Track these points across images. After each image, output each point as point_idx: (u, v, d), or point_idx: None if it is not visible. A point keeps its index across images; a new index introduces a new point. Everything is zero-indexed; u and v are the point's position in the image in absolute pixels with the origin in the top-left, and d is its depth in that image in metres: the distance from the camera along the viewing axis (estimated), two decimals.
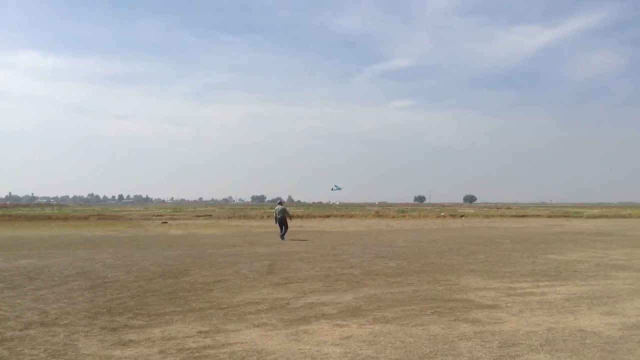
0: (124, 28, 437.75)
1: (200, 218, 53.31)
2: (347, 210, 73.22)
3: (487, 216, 59.35)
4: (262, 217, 53.40)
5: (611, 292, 10.58)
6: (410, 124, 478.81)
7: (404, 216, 57.22)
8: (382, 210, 72.72)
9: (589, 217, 59.93)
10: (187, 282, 12.13)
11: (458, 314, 8.57)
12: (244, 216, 55.96)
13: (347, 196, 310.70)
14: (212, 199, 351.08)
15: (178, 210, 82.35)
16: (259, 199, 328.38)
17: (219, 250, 19.68)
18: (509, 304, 9.35)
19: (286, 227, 25.68)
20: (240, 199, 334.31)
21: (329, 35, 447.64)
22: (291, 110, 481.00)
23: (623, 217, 60.59)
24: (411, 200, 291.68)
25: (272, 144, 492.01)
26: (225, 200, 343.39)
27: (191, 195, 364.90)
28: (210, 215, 57.79)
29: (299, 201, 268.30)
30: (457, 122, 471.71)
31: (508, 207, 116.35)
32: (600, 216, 61.26)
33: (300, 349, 6.52)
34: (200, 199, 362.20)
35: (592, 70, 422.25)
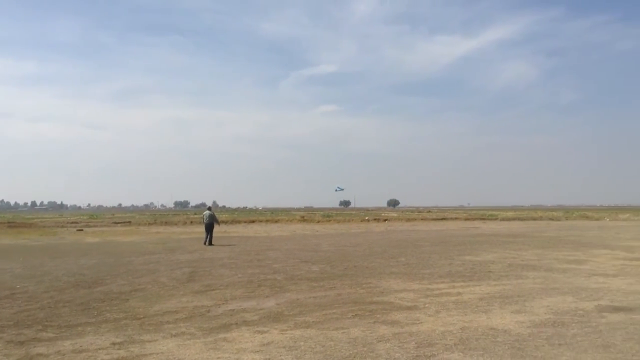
0: (38, 28, 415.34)
1: (119, 225, 51.41)
2: (272, 215, 73.00)
3: (409, 220, 60.92)
4: (185, 223, 52.23)
5: (521, 292, 11.10)
6: (336, 129, 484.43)
7: (329, 221, 57.70)
8: (307, 215, 72.96)
9: (503, 219, 62.89)
10: (101, 292, 11.63)
11: (378, 316, 8.71)
12: (166, 222, 54.51)
13: (273, 201, 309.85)
14: (132, 205, 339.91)
15: (95, 217, 79.03)
16: (182, 205, 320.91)
17: (137, 258, 19.04)
18: (426, 305, 9.61)
19: (211, 233, 25.76)
20: (162, 205, 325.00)
21: (254, 39, 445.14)
22: (216, 115, 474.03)
23: (534, 219, 64.00)
24: (337, 205, 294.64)
25: (197, 149, 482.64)
26: (146, 206, 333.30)
27: (110, 202, 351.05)
28: (130, 222, 55.87)
29: (224, 206, 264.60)
30: (381, 128, 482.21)
31: (429, 210, 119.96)
32: (514, 218, 64.42)
33: (218, 358, 6.39)
34: (120, 205, 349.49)
35: (508, 80, 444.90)
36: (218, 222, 26.75)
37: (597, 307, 9.40)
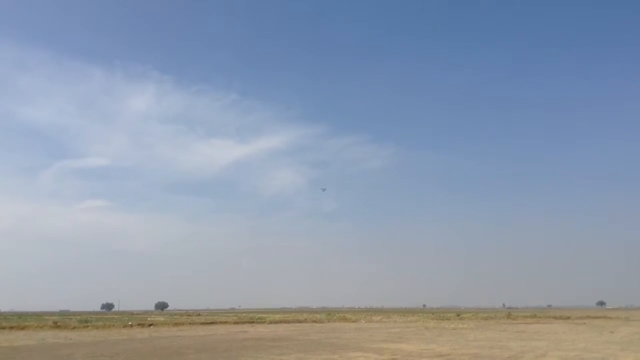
0: None
1: None
2: (18, 321, 63.73)
3: (176, 324, 58.44)
4: None
5: None
6: (103, 226, 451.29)
7: (87, 327, 52.38)
8: (61, 320, 65.31)
9: (271, 322, 64.02)
10: None
11: None
12: None
13: (23, 304, 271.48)
14: None
15: None
16: None
17: None
18: None
19: None
20: None
21: (13, 124, 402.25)
22: None
23: (299, 321, 66.47)
24: (98, 308, 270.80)
25: None
26: None
27: None
28: None
29: None
30: (153, 226, 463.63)
31: (199, 314, 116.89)
32: (281, 321, 66.04)
33: None
34: None
35: (279, 186, 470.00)
36: None
37: None
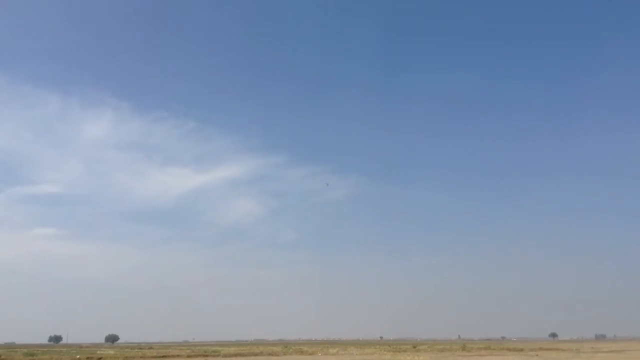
0: None
1: None
2: None
3: (127, 358, 56.75)
4: None
5: None
6: (53, 255, 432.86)
7: None
8: (6, 354, 62.54)
9: (225, 355, 62.84)
10: None
11: None
12: None
13: None
14: None
15: None
16: None
17: None
18: None
19: None
20: None
21: None
22: None
23: (255, 354, 65.52)
24: (45, 341, 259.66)
25: None
26: None
27: None
28: None
29: None
30: (106, 256, 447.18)
31: (151, 347, 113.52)
32: (236, 354, 64.90)
33: None
34: None
35: (237, 215, 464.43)
36: None
37: None
